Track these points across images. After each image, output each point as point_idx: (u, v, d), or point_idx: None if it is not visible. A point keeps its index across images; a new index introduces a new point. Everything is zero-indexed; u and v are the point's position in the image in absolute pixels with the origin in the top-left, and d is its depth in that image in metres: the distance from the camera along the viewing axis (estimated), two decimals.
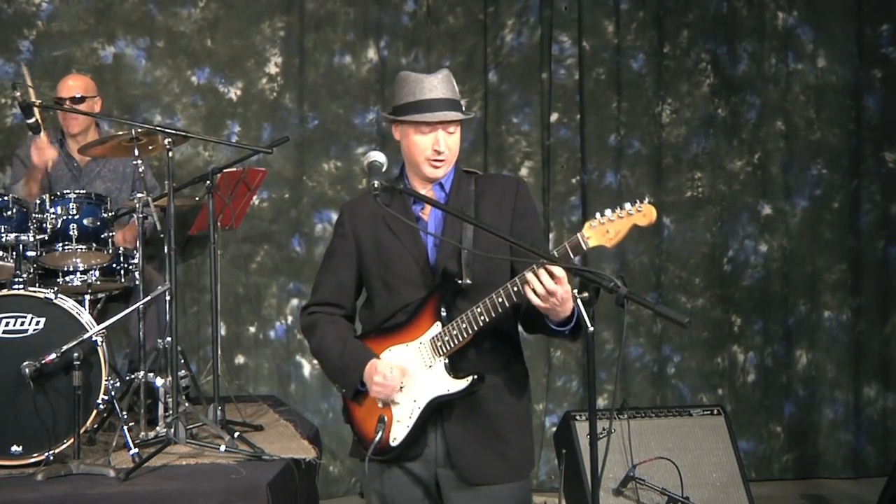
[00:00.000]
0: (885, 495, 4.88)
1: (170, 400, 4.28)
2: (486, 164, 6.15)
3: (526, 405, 3.05)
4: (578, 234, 2.75)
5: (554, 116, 6.19)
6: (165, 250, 4.44)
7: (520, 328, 3.04)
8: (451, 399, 2.88)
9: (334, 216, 6.01)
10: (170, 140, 4.32)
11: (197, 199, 5.26)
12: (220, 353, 4.89)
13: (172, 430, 4.13)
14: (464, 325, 2.84)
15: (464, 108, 2.98)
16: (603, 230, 2.74)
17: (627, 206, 2.74)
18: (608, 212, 2.74)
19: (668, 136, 6.32)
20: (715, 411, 5.06)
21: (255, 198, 5.66)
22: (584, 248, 2.74)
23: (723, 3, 6.34)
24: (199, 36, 5.93)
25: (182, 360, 4.81)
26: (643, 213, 2.73)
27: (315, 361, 5.95)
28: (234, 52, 5.96)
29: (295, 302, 5.98)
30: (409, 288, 2.95)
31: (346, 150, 6.05)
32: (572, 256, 2.75)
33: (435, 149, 2.92)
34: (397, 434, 2.93)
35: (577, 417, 4.87)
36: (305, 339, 3.16)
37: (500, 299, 2.78)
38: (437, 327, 2.90)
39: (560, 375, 6.14)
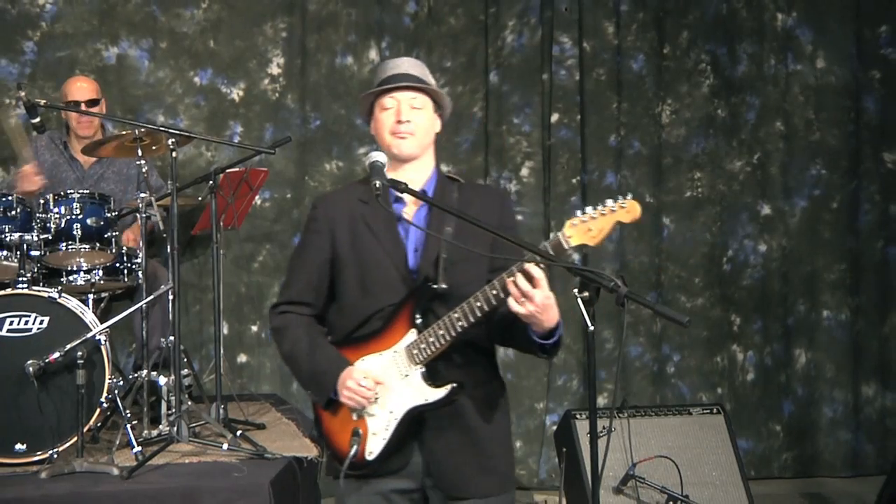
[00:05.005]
0: (884, 494, 4.90)
1: (173, 398, 4.29)
2: (487, 164, 6.17)
3: (506, 420, 2.93)
4: (559, 234, 2.61)
5: (554, 117, 6.21)
6: (168, 250, 4.47)
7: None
8: (429, 409, 2.76)
9: None
10: (173, 140, 4.33)
11: (200, 198, 5.27)
12: (222, 351, 4.90)
13: (175, 428, 4.14)
14: (441, 332, 2.71)
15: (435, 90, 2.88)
16: (585, 228, 2.60)
17: (609, 202, 2.60)
18: (589, 209, 2.61)
19: (667, 137, 6.34)
20: (714, 410, 5.08)
21: (257, 198, 5.68)
22: (566, 246, 2.60)
23: (722, 4, 6.35)
24: (201, 37, 5.95)
25: (185, 359, 4.82)
26: (627, 209, 2.59)
27: None
28: (236, 52, 5.98)
29: None
30: (385, 292, 2.82)
31: (348, 151, 6.07)
32: (553, 256, 2.61)
33: (397, 119, 2.84)
34: (373, 447, 2.79)
35: (578, 416, 4.89)
36: (275, 341, 3.00)
37: (479, 303, 2.65)
38: (412, 335, 2.77)
39: (560, 374, 6.16)
